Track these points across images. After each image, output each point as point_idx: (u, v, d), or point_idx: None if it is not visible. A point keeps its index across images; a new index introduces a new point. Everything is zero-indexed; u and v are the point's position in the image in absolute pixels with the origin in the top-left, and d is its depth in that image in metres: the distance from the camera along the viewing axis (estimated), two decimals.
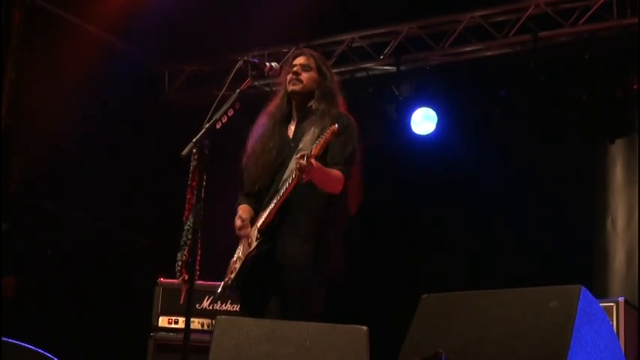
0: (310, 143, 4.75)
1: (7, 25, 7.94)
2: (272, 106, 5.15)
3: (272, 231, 4.79)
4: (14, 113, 7.94)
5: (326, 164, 4.75)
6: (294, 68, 5.04)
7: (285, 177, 4.83)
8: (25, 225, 8.01)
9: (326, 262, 4.79)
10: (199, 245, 4.42)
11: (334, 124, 4.59)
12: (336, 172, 4.76)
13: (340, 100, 5.14)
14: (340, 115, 4.98)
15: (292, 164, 4.77)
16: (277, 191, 4.79)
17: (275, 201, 4.76)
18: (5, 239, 7.52)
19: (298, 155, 4.52)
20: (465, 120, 8.69)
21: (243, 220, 4.89)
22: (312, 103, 5.01)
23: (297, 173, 4.52)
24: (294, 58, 5.15)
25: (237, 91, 4.67)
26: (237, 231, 4.91)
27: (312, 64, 5.08)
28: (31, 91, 8.11)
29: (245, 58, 5.10)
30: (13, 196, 7.82)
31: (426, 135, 8.68)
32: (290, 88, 5.03)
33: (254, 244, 4.77)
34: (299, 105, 5.07)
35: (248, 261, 4.78)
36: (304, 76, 5.02)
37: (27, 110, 8.06)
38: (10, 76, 7.94)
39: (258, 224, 4.81)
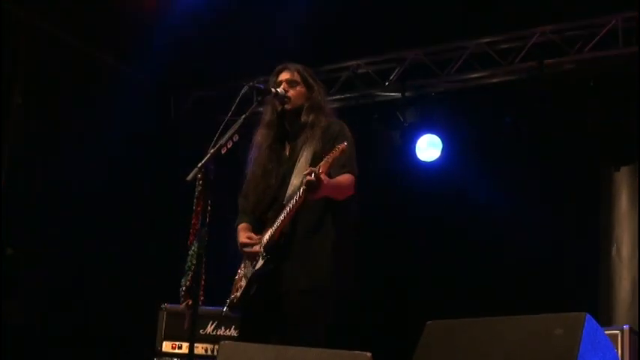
0: (306, 161, 4.74)
1: (12, 50, 7.97)
2: (265, 126, 5.04)
3: (278, 251, 4.71)
4: (20, 137, 7.96)
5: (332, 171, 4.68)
6: (281, 86, 4.94)
7: (288, 194, 4.75)
8: (29, 249, 7.99)
9: (332, 285, 4.73)
10: (203, 270, 4.41)
11: (343, 142, 4.47)
12: (345, 177, 4.68)
13: (328, 110, 5.07)
14: (331, 123, 4.93)
15: (295, 180, 4.74)
16: (283, 206, 4.72)
17: (282, 218, 4.67)
18: (10, 263, 7.52)
19: (307, 172, 4.45)
20: (470, 147, 8.70)
21: (250, 238, 4.81)
22: (302, 117, 4.92)
23: (305, 191, 4.47)
24: (278, 74, 5.04)
25: (243, 116, 4.67)
26: (240, 248, 4.85)
27: (298, 78, 4.98)
28: (36, 115, 8.13)
29: (251, 83, 5.04)
30: (17, 221, 7.82)
31: (431, 161, 8.69)
32: (279, 108, 4.95)
33: (260, 262, 4.72)
34: (290, 122, 4.99)
35: (254, 279, 4.76)
36: (291, 93, 4.93)
37: (31, 134, 8.08)
38: (16, 100, 7.95)
39: (264, 241, 4.76)
